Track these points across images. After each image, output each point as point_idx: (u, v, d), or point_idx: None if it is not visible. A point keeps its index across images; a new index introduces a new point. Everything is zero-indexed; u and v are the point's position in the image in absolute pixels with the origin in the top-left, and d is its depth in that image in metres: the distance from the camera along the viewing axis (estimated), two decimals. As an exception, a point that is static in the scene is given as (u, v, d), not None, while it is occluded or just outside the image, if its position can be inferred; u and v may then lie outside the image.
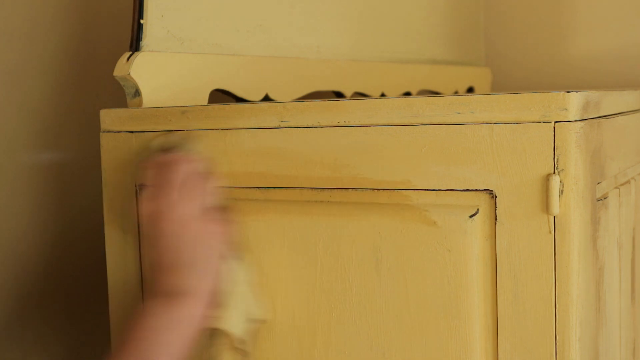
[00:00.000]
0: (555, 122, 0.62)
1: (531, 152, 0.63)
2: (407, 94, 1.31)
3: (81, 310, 1.07)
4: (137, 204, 0.76)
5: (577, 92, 0.63)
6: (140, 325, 0.70)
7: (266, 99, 0.99)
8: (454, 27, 1.50)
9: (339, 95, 1.15)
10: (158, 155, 0.76)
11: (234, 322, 0.74)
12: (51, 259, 1.02)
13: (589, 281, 0.66)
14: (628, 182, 0.81)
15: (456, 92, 1.48)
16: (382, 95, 1.23)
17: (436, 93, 1.40)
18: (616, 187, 0.76)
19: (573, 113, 0.62)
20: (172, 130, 0.78)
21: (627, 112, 0.79)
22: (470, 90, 1.54)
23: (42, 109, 1.00)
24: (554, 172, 0.63)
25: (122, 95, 0.84)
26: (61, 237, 1.03)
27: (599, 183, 0.68)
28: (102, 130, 0.82)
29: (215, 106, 0.76)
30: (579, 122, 0.62)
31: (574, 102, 0.62)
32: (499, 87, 1.63)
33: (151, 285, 0.73)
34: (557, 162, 0.63)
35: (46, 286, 1.02)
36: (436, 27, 1.44)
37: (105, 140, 0.81)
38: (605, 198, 0.71)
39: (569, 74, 1.56)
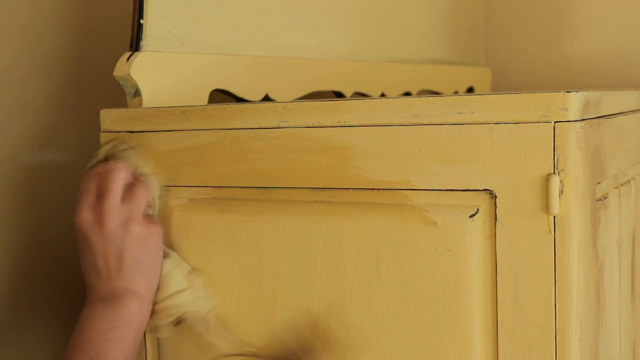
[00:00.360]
0: (555, 122, 0.62)
1: (531, 152, 0.63)
2: (407, 94, 1.31)
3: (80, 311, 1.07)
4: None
5: (577, 92, 0.63)
6: (85, 329, 0.72)
7: (266, 99, 0.99)
8: (454, 27, 1.50)
9: (339, 95, 1.15)
10: (98, 165, 0.78)
11: (191, 302, 0.77)
12: (50, 258, 1.02)
13: (589, 281, 0.66)
14: (628, 182, 0.81)
15: (456, 92, 1.48)
16: (382, 95, 1.24)
17: (436, 93, 1.40)
18: (616, 187, 0.76)
19: (573, 113, 0.62)
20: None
21: (627, 112, 0.79)
22: (470, 90, 1.54)
23: (42, 109, 1.00)
24: (554, 172, 0.63)
25: (123, 95, 0.84)
26: (61, 237, 1.03)
27: (599, 183, 0.68)
28: (102, 130, 0.82)
29: (215, 106, 0.76)
30: (579, 122, 0.62)
31: (574, 102, 0.62)
32: (498, 87, 1.63)
33: (89, 292, 0.76)
34: (557, 162, 0.63)
35: (45, 286, 1.02)
36: (436, 27, 1.44)
37: (105, 140, 0.81)
38: (605, 198, 0.71)
39: (568, 74, 1.56)
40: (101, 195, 0.75)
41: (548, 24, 1.58)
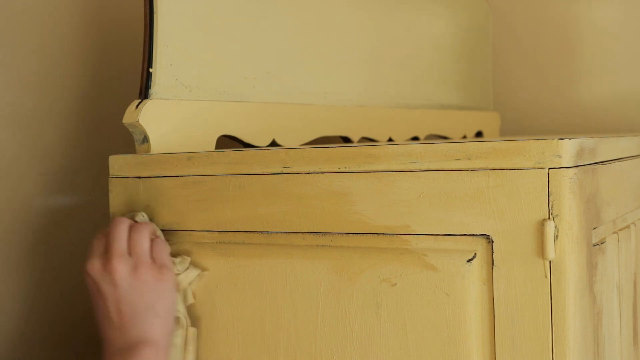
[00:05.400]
0: (550, 168, 0.63)
1: (526, 197, 0.64)
2: (415, 138, 1.33)
3: (89, 352, 1.08)
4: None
5: (570, 139, 0.64)
6: None
7: (273, 144, 1.01)
8: (463, 73, 1.52)
9: (346, 140, 1.17)
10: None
11: None
12: (65, 301, 1.04)
13: (586, 326, 0.66)
14: (627, 227, 0.81)
15: (464, 137, 1.49)
16: (390, 140, 1.25)
17: (444, 137, 1.42)
18: (615, 232, 0.77)
19: (567, 160, 0.63)
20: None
21: (625, 157, 0.80)
22: (479, 134, 1.56)
23: (54, 154, 1.02)
24: (549, 218, 0.64)
25: (133, 140, 0.86)
26: (73, 280, 1.05)
27: (595, 228, 0.69)
28: (110, 176, 0.84)
29: (220, 152, 0.77)
30: (572, 169, 0.64)
31: (568, 148, 0.64)
32: (508, 131, 1.64)
33: (105, 346, 0.75)
34: (551, 207, 0.64)
35: (60, 329, 1.03)
36: (445, 73, 1.45)
37: (113, 185, 0.83)
38: (602, 243, 0.72)
39: (576, 118, 1.57)
40: (107, 245, 0.76)
41: (555, 70, 1.59)
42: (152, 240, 0.78)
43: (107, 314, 0.75)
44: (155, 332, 0.74)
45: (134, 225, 0.78)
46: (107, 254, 0.75)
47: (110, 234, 0.77)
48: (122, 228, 0.77)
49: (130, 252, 0.76)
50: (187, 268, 0.79)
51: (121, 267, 0.74)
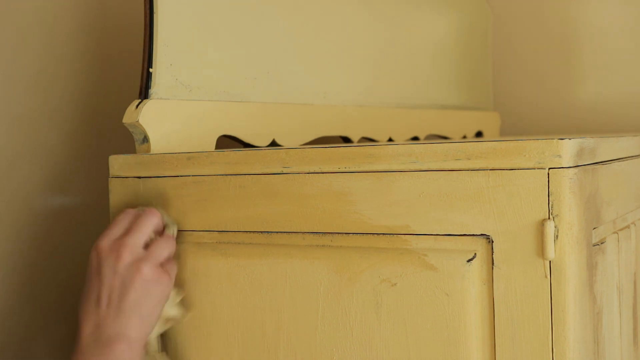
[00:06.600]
0: (550, 168, 0.64)
1: (526, 197, 0.64)
2: (415, 138, 1.33)
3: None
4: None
5: (570, 139, 0.64)
6: None
7: (273, 144, 1.01)
8: (463, 73, 1.52)
9: (346, 140, 1.17)
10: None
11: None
12: (64, 302, 1.04)
13: (586, 325, 0.66)
14: (627, 227, 0.81)
15: (464, 137, 1.49)
16: (390, 140, 1.25)
17: (444, 137, 1.42)
18: (615, 232, 0.77)
19: (567, 160, 0.64)
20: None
21: (625, 157, 0.80)
22: (479, 134, 1.56)
23: (54, 154, 1.02)
24: (549, 218, 0.64)
25: (133, 140, 0.86)
26: (74, 280, 1.05)
27: (595, 228, 0.69)
28: (110, 176, 0.84)
29: (220, 152, 0.78)
30: (572, 169, 0.64)
31: (568, 149, 0.64)
32: (508, 131, 1.64)
33: (81, 324, 0.75)
34: (551, 207, 0.64)
35: (59, 328, 1.03)
36: (445, 73, 1.46)
37: (113, 185, 0.83)
38: (602, 243, 0.72)
39: (576, 118, 1.57)
40: (128, 231, 0.76)
41: (555, 70, 1.60)
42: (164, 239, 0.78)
43: (97, 295, 0.75)
44: (135, 331, 0.74)
45: (160, 225, 0.79)
46: (122, 240, 0.76)
47: (136, 223, 0.77)
48: (148, 221, 0.77)
49: (147, 245, 0.76)
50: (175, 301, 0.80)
51: (128, 257, 0.75)
